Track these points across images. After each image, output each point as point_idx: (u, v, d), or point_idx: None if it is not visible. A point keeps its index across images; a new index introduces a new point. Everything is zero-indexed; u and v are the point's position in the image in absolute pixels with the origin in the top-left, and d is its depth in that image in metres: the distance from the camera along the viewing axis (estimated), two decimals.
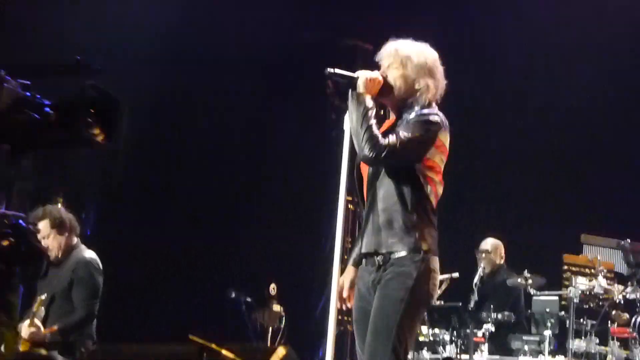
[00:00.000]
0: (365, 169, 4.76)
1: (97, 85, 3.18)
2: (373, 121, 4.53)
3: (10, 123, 3.03)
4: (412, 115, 4.62)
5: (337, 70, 4.63)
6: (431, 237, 4.59)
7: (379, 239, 4.59)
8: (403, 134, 4.52)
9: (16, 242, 3.10)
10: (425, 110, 4.63)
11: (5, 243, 3.05)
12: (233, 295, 10.69)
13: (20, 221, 3.11)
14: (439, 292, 9.25)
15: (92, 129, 3.11)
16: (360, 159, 4.62)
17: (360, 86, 4.61)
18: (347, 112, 4.63)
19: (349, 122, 4.60)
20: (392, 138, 4.50)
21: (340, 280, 4.71)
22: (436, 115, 4.64)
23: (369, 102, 4.58)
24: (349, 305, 4.75)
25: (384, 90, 4.69)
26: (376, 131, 4.51)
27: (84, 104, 3.11)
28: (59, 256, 7.44)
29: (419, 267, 4.50)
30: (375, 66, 4.79)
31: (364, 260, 4.70)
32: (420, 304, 4.57)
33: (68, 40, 10.37)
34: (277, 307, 11.12)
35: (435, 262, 4.59)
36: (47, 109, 3.07)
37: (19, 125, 3.05)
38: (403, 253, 4.52)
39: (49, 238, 7.42)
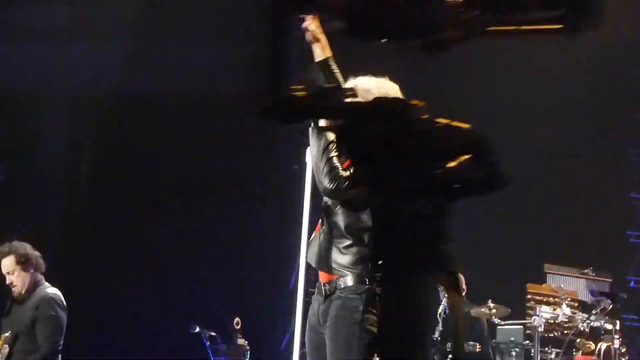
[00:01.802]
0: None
1: None
2: (334, 154, 4.52)
3: None
4: None
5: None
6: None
7: (329, 267, 4.60)
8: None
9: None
10: None
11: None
12: (197, 329, 10.63)
13: None
14: None
15: None
16: (321, 191, 4.62)
17: (322, 120, 4.61)
18: (309, 146, 4.63)
19: (310, 155, 4.60)
20: (353, 172, 4.52)
21: None
22: None
23: (330, 135, 4.58)
24: None
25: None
26: (337, 163, 4.51)
27: None
28: (23, 293, 7.40)
29: (365, 297, 4.48)
30: None
31: (316, 288, 4.71)
32: (373, 334, 4.48)
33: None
34: (241, 341, 11.08)
35: None
36: None
37: None
38: (349, 283, 4.53)
39: (13, 274, 7.39)
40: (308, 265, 4.60)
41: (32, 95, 11.09)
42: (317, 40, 4.81)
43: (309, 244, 4.60)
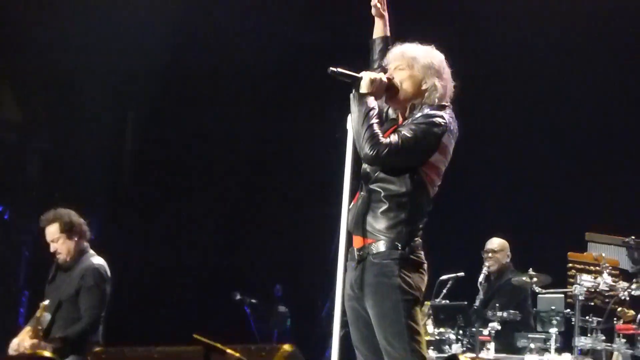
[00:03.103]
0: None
1: None
2: (375, 120, 4.56)
3: None
4: (418, 115, 4.65)
5: (340, 70, 4.64)
6: (416, 234, 4.64)
7: (363, 233, 4.64)
8: (405, 134, 4.55)
9: None
10: (432, 112, 4.65)
11: None
12: (238, 297, 10.71)
13: None
14: (444, 291, 9.30)
15: None
16: (361, 157, 4.62)
17: (363, 86, 4.61)
18: (350, 112, 4.64)
19: (351, 122, 4.62)
20: (393, 138, 4.54)
21: None
22: (442, 117, 4.64)
23: (371, 102, 4.60)
24: None
25: (391, 93, 4.71)
26: (377, 130, 4.54)
27: None
28: (68, 260, 7.42)
29: (400, 262, 4.55)
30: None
31: (348, 255, 4.74)
32: (413, 295, 4.59)
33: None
34: (282, 308, 11.15)
35: (418, 256, 4.64)
36: None
37: None
38: (382, 249, 4.57)
39: (58, 242, 7.39)
40: (348, 233, 4.62)
41: (79, 69, 11.15)
42: (381, 17, 5.06)
43: (348, 211, 4.63)
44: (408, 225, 4.59)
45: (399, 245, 4.56)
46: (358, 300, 4.69)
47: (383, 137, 4.54)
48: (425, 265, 4.68)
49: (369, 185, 4.68)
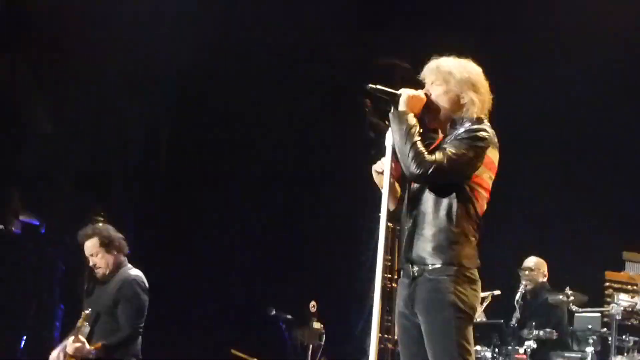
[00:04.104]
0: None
1: None
2: (417, 138, 4.51)
3: None
4: (461, 130, 4.61)
5: (379, 87, 4.62)
6: (471, 251, 4.59)
7: (417, 251, 4.60)
8: (450, 150, 4.50)
9: None
10: (474, 126, 4.60)
11: None
12: (273, 312, 10.72)
13: None
14: (481, 308, 9.27)
15: None
16: (408, 176, 4.60)
17: (402, 104, 4.59)
18: (389, 130, 4.62)
19: (393, 140, 4.58)
20: (438, 155, 4.49)
21: None
22: (485, 131, 4.60)
23: (412, 119, 4.56)
24: None
25: (429, 109, 4.68)
26: (422, 148, 4.50)
27: None
28: (106, 274, 7.51)
29: (455, 279, 4.51)
30: (416, 85, 4.81)
31: (401, 273, 4.72)
32: (467, 313, 4.55)
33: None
34: (317, 325, 11.13)
35: (473, 273, 4.59)
36: None
37: None
38: (437, 265, 4.53)
39: (97, 256, 7.50)
40: (385, 250, 4.59)
41: (113, 82, 11.23)
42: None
43: (388, 228, 4.61)
44: (462, 242, 4.55)
45: (454, 262, 4.52)
46: (409, 318, 4.66)
47: (428, 154, 4.50)
48: (480, 284, 4.62)
49: (418, 204, 4.65)
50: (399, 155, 4.56)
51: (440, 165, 4.46)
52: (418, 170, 4.47)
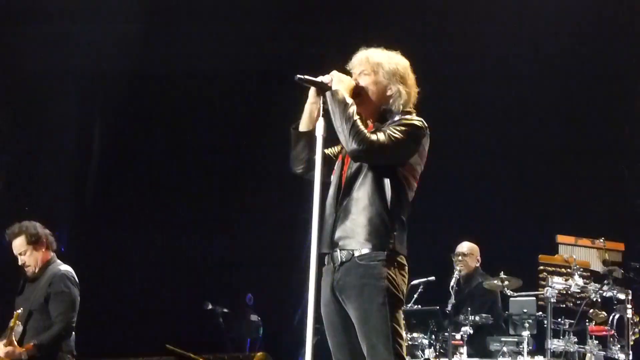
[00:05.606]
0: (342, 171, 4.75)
1: None
2: (357, 117, 4.50)
3: None
4: (396, 118, 4.65)
5: (307, 77, 4.60)
6: (402, 237, 4.61)
7: (347, 236, 4.60)
8: (391, 134, 4.51)
9: None
10: (409, 116, 4.66)
11: None
12: (209, 306, 10.68)
13: None
14: (415, 296, 9.30)
15: None
16: (349, 153, 4.58)
17: (336, 83, 4.57)
18: (320, 116, 4.56)
19: (332, 118, 4.53)
20: (380, 135, 4.49)
21: None
22: (420, 120, 4.65)
23: (349, 98, 4.55)
24: None
25: (358, 94, 4.67)
26: (362, 126, 4.50)
27: None
28: (36, 271, 7.47)
29: (387, 265, 4.51)
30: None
31: (325, 260, 4.69)
32: (399, 298, 4.56)
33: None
34: (254, 317, 11.12)
35: (403, 259, 4.61)
36: None
37: None
38: (367, 250, 4.53)
39: (25, 254, 7.45)
40: (319, 240, 4.54)
41: (42, 79, 11.07)
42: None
43: (322, 215, 4.57)
44: (391, 227, 4.56)
45: (385, 247, 4.53)
46: (336, 304, 4.64)
47: (369, 133, 4.50)
48: (407, 268, 4.64)
49: (350, 189, 4.65)
50: (339, 135, 4.53)
51: (382, 144, 4.47)
52: (360, 146, 4.46)
